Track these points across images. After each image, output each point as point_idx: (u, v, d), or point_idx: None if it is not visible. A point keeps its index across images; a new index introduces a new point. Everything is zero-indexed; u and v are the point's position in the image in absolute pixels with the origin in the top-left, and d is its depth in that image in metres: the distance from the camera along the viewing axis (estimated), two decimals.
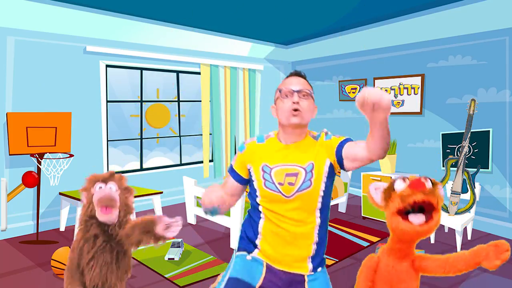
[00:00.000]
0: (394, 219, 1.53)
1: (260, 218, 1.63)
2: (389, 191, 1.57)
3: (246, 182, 1.71)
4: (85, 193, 1.67)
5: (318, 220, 1.59)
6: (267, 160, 1.63)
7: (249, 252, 1.65)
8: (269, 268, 1.59)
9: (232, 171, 1.74)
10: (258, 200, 1.63)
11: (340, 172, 5.05)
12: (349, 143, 1.57)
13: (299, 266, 1.59)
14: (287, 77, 1.73)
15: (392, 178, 1.63)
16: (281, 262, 1.59)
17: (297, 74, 1.72)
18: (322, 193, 1.58)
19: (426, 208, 1.48)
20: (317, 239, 1.59)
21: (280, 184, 1.57)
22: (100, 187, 1.61)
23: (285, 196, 1.56)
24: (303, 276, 1.59)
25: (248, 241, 1.67)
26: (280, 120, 1.65)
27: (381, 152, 1.41)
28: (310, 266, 1.59)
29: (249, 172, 1.68)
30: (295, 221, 1.57)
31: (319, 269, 1.63)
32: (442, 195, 1.51)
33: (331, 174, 1.61)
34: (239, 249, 1.69)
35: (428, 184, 1.48)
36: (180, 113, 5.73)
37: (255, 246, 1.64)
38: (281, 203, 1.57)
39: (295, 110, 1.58)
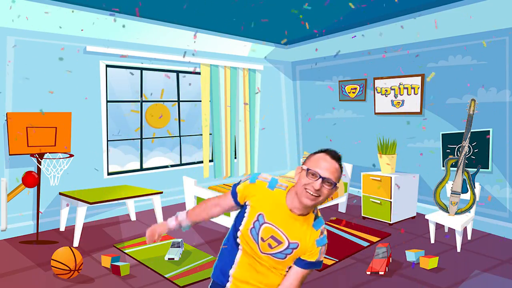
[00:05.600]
0: None
1: (238, 249, 1.63)
2: None
3: (241, 207, 1.70)
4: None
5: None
6: (266, 211, 1.58)
7: (222, 286, 1.67)
8: None
9: (234, 194, 1.70)
10: (238, 234, 1.62)
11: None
12: (299, 270, 1.57)
13: None
14: (321, 152, 1.56)
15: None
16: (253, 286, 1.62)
17: (333, 156, 1.53)
18: (287, 269, 1.60)
19: None
20: None
21: (262, 239, 1.56)
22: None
23: (260, 251, 1.57)
24: None
25: (221, 273, 1.67)
26: (296, 188, 1.56)
27: None
28: None
29: (245, 205, 1.65)
30: (268, 266, 1.60)
31: None
32: None
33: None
34: (212, 284, 1.71)
35: None
36: (180, 113, 5.73)
37: (227, 279, 1.65)
38: (253, 252, 1.59)
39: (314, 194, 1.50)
